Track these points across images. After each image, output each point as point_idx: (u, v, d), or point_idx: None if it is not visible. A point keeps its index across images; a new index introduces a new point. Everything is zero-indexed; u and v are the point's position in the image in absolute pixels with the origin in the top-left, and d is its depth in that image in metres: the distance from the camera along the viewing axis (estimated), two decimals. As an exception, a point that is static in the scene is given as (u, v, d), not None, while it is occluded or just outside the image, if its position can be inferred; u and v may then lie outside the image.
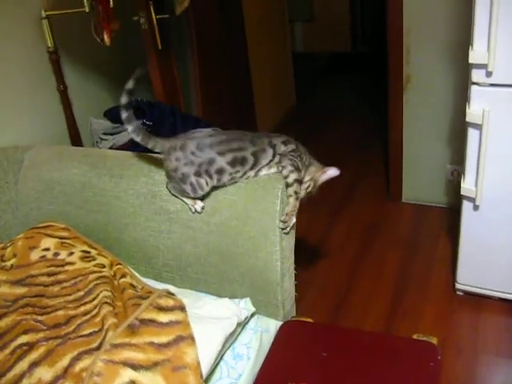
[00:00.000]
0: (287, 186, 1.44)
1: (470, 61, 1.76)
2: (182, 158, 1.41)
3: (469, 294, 2.20)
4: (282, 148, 1.48)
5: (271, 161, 1.46)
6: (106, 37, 1.79)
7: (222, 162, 1.42)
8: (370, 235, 2.74)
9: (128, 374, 1.16)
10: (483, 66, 1.74)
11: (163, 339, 1.24)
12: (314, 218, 2.92)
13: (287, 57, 4.28)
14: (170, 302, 1.32)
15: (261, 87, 3.56)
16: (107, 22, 1.76)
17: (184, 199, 1.51)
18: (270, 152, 1.46)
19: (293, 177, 1.44)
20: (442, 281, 2.33)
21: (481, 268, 2.10)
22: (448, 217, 2.73)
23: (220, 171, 1.43)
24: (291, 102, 4.44)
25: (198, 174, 1.42)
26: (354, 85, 4.88)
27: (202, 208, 1.49)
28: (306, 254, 2.65)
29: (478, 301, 2.17)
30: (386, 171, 3.08)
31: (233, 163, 1.43)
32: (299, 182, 1.46)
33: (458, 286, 2.20)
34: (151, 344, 1.22)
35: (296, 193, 1.44)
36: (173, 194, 1.52)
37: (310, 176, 1.53)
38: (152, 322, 1.27)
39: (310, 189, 1.53)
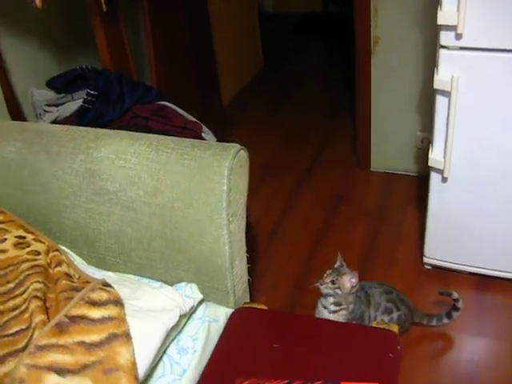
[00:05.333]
0: None
1: (439, 22, 1.63)
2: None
3: (437, 268, 2.12)
4: None
5: None
6: (36, -2, 1.61)
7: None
8: (337, 206, 2.63)
9: (53, 379, 1.04)
10: (452, 28, 1.61)
11: (95, 338, 1.12)
12: (278, 188, 2.81)
13: (253, 17, 4.06)
14: (104, 296, 1.20)
15: (224, 49, 3.35)
16: (37, -19, 1.58)
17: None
18: None
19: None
20: (409, 254, 2.24)
21: (449, 242, 2.01)
22: (417, 186, 2.64)
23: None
24: (258, 66, 4.22)
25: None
26: (324, 47, 4.69)
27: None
28: (267, 227, 2.53)
29: (446, 275, 2.10)
30: (355, 139, 2.95)
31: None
32: None
33: (425, 259, 2.12)
34: (81, 344, 1.11)
35: None
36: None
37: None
38: (83, 318, 1.15)
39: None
